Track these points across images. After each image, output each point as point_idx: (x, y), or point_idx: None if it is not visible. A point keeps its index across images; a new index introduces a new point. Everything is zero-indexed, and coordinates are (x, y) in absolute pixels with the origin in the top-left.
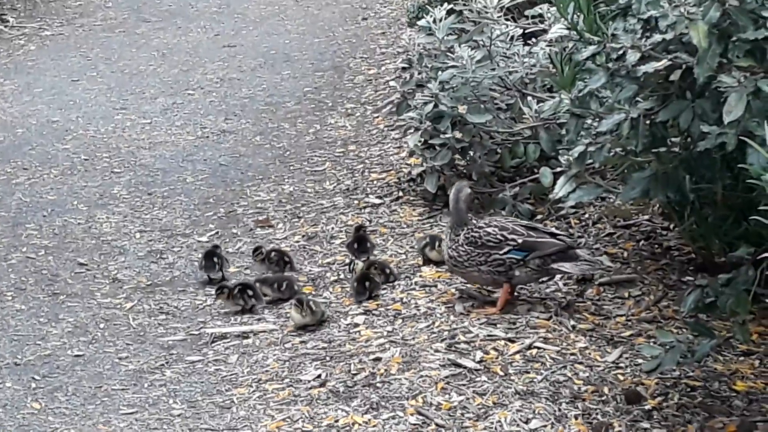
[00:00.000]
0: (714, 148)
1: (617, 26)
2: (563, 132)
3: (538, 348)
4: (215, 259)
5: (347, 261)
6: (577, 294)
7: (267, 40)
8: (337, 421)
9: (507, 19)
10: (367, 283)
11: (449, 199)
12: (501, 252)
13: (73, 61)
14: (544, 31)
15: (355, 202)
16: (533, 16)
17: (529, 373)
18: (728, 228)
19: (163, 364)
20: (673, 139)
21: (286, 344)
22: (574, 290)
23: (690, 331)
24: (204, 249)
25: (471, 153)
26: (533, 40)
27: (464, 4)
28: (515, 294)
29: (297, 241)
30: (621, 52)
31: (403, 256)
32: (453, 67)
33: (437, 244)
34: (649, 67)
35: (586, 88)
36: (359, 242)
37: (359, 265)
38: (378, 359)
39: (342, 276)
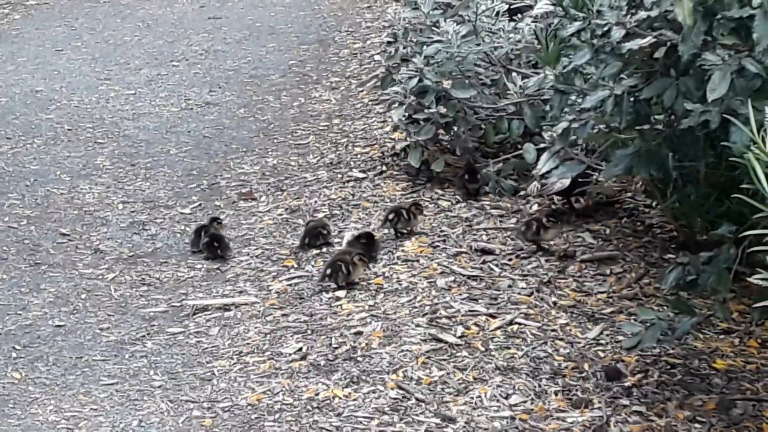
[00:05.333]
0: (697, 126)
1: (602, 2)
2: (547, 108)
3: (519, 324)
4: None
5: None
6: (559, 270)
7: (252, 12)
8: (317, 394)
9: None
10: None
11: None
12: None
13: (57, 31)
14: (530, 7)
15: (339, 176)
16: None
17: (509, 348)
18: (710, 206)
19: (144, 336)
20: (656, 117)
21: (267, 317)
22: (555, 266)
23: (671, 309)
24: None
25: (455, 128)
26: (519, 15)
27: None
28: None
29: (280, 214)
30: (606, 28)
31: (386, 231)
32: (438, 41)
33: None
34: (634, 44)
35: (570, 64)
36: (470, 173)
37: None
38: (359, 333)
39: (324, 250)
